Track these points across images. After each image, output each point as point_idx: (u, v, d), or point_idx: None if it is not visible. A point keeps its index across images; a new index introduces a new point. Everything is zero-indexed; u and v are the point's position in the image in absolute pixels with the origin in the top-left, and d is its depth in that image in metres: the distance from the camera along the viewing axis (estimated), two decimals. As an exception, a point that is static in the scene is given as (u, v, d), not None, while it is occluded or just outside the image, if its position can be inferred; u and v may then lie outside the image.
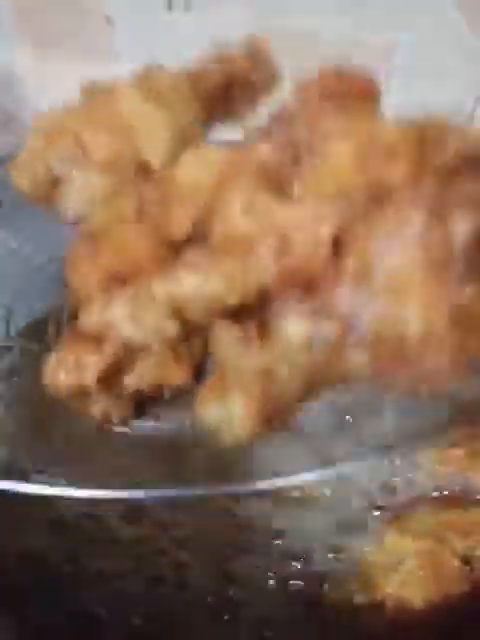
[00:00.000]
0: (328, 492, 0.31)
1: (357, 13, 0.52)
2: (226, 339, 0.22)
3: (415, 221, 0.21)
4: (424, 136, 0.29)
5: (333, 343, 0.22)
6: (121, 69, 0.60)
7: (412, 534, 0.30)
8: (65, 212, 0.34)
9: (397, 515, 0.32)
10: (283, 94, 0.40)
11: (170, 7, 0.58)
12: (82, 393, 0.24)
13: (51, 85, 0.63)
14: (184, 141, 0.34)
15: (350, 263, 0.22)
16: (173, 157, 0.33)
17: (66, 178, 0.33)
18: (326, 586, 0.30)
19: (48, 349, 0.25)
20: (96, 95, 0.34)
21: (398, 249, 0.21)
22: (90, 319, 0.23)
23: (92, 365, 0.23)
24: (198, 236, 0.31)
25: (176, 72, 0.36)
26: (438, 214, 0.21)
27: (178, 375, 0.24)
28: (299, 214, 0.24)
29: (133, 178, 0.33)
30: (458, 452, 0.37)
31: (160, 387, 0.24)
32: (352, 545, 0.31)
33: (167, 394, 0.24)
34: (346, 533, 0.32)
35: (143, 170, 0.33)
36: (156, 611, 0.29)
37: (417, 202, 0.22)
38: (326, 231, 0.24)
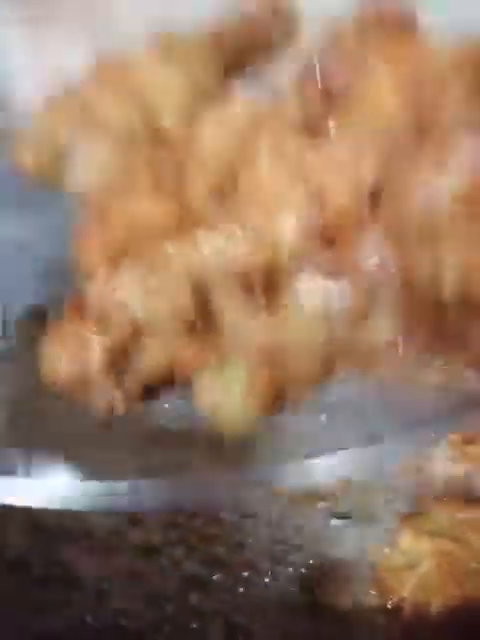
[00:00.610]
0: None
1: None
2: (232, 306, 0.18)
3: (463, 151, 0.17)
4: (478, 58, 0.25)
5: (355, 309, 0.18)
6: (120, 36, 0.58)
7: (428, 534, 0.28)
8: (72, 184, 0.30)
9: (412, 514, 0.31)
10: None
11: None
12: (84, 382, 0.20)
13: (44, 53, 0.62)
14: (203, 100, 0.30)
15: (385, 211, 0.18)
16: (191, 117, 0.30)
17: (74, 147, 0.30)
18: (338, 589, 0.28)
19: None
20: (110, 63, 0.30)
21: (437, 194, 0.17)
22: (96, 297, 0.20)
23: (97, 346, 0.19)
24: (218, 203, 0.28)
25: (194, 33, 0.32)
26: None
27: (192, 359, 0.20)
28: (335, 155, 0.20)
29: (147, 144, 0.29)
30: (475, 448, 0.35)
31: (170, 373, 0.20)
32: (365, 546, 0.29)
33: (179, 381, 0.20)
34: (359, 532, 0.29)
35: (158, 135, 0.30)
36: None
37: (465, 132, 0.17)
38: (367, 171, 0.20)
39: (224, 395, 0.18)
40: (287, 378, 0.18)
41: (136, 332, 0.20)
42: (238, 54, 0.34)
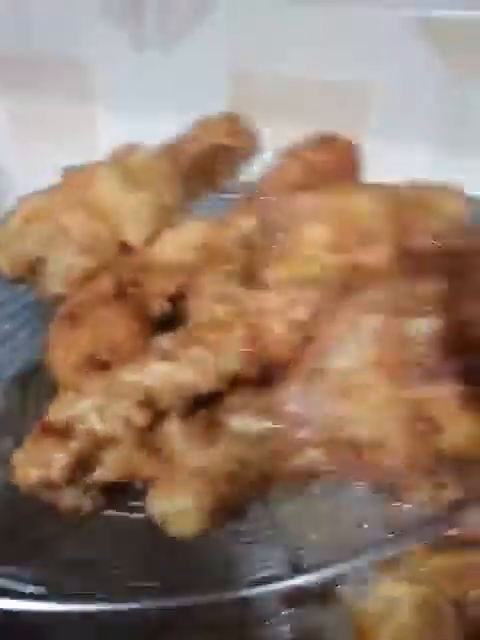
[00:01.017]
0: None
1: (331, 55, 0.53)
2: (174, 434, 0.22)
3: (372, 322, 0.21)
4: (400, 216, 0.29)
5: (283, 441, 0.21)
6: (98, 111, 0.63)
7: (405, 580, 0.28)
8: (44, 292, 0.34)
9: (390, 561, 0.29)
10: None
11: (142, 47, 0.58)
12: (51, 487, 0.23)
13: (28, 131, 0.67)
14: (164, 218, 0.34)
15: (307, 360, 0.22)
16: (153, 235, 0.34)
17: (45, 259, 0.34)
18: (314, 637, 0.28)
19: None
20: (75, 178, 0.34)
21: (353, 349, 0.21)
22: (59, 413, 0.23)
23: (58, 461, 0.22)
24: (176, 313, 0.32)
25: (156, 149, 0.37)
26: (397, 315, 0.21)
27: (147, 465, 0.23)
28: (270, 302, 0.24)
29: (113, 258, 0.33)
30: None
31: (130, 477, 0.24)
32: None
33: (139, 483, 0.24)
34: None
35: (123, 249, 0.34)
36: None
37: (376, 303, 0.22)
38: (296, 317, 0.24)
39: (173, 508, 0.21)
40: (229, 495, 0.22)
41: (95, 445, 0.23)
42: (199, 168, 0.39)
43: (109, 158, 0.35)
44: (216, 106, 0.58)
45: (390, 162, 0.56)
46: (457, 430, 0.21)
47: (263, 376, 0.24)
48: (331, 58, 0.53)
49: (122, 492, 0.25)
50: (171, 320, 0.31)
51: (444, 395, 0.21)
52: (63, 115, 0.65)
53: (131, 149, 0.36)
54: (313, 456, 0.21)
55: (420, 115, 0.54)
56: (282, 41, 0.54)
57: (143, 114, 0.62)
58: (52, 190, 0.34)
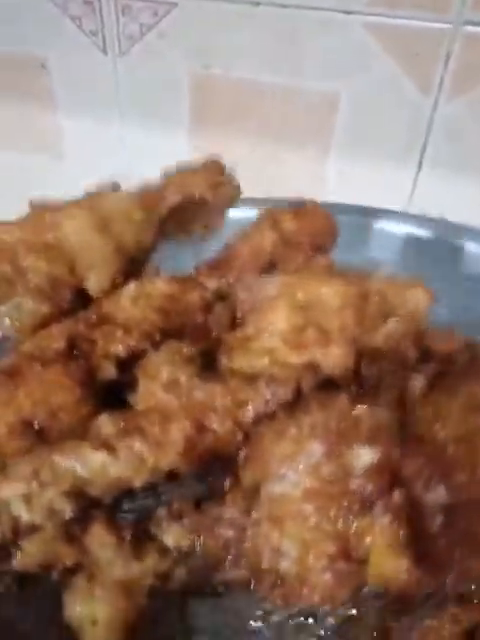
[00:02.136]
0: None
1: (296, 64, 0.53)
2: (100, 542, 0.21)
3: (312, 449, 0.20)
4: (365, 312, 0.29)
5: (211, 559, 0.21)
6: (57, 113, 0.63)
7: None
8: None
9: None
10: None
11: (105, 51, 0.58)
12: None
13: None
14: (130, 269, 0.34)
15: (246, 477, 0.21)
16: (116, 285, 0.33)
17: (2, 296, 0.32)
18: None
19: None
20: (43, 216, 0.33)
21: (291, 475, 0.20)
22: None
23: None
24: (126, 379, 0.31)
25: (129, 194, 0.35)
26: (339, 442, 0.20)
27: (68, 556, 0.22)
28: (219, 398, 0.24)
29: (70, 306, 0.32)
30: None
31: (49, 567, 0.23)
32: None
33: (55, 575, 0.23)
34: None
35: (83, 297, 0.32)
36: None
37: (320, 426, 0.21)
38: (243, 419, 0.23)
39: (88, 619, 0.21)
40: (148, 608, 0.21)
41: (17, 531, 0.22)
42: (173, 218, 0.38)
43: (82, 198, 0.34)
44: (178, 110, 0.59)
45: (357, 175, 0.56)
46: (382, 565, 0.20)
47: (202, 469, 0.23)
48: (295, 64, 0.53)
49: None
50: (120, 384, 0.30)
51: (375, 529, 0.20)
52: (24, 116, 0.65)
53: (106, 190, 0.35)
54: (234, 576, 0.21)
55: (385, 126, 0.53)
56: (243, 44, 0.53)
57: (106, 117, 0.62)
58: (16, 223, 0.33)
